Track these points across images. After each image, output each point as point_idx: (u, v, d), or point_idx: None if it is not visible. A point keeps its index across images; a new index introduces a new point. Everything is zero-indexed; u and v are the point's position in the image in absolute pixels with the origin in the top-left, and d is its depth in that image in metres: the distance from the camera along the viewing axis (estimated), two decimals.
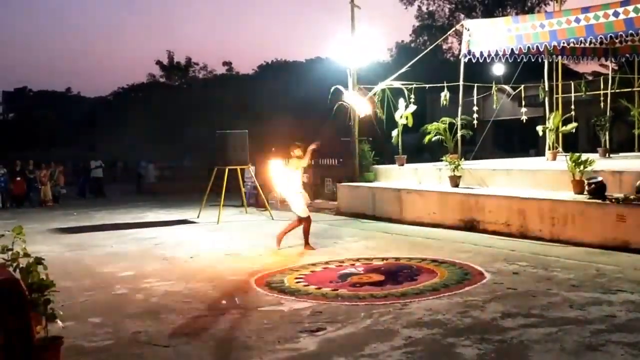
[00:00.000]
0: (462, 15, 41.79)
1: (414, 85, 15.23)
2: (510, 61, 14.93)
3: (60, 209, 19.87)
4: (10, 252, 5.06)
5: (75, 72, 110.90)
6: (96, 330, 5.95)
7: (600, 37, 12.29)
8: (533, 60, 15.58)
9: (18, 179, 21.03)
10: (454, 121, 14.65)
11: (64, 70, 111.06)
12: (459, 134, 14.47)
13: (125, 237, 12.46)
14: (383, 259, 9.01)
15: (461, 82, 14.50)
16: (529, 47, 13.33)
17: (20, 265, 5.01)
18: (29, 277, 4.89)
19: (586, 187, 9.93)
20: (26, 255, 5.03)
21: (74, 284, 7.99)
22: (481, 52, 13.95)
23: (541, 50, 13.95)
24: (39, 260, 5.00)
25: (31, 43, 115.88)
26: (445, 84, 15.50)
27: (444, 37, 23.09)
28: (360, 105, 13.63)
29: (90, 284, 8.09)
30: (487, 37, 13.97)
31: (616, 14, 11.85)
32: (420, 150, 23.57)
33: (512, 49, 13.76)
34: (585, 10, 12.44)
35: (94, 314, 6.51)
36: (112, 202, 21.86)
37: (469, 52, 14.08)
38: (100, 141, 42.81)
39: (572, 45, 13.95)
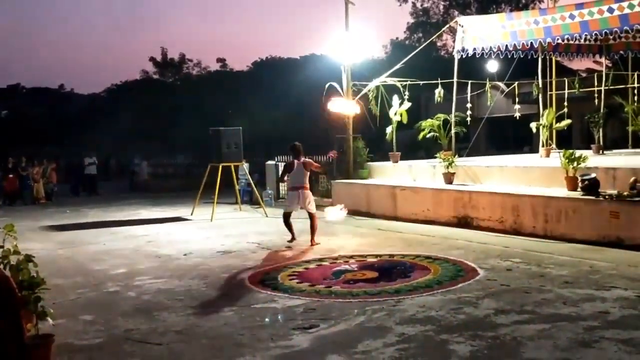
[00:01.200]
0: (456, 12, 41.75)
1: (408, 82, 15.21)
2: (501, 57, 14.87)
3: (53, 206, 19.79)
4: (0, 250, 5.02)
5: (68, 69, 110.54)
6: (88, 328, 5.91)
7: (595, 34, 12.28)
8: (522, 56, 15.41)
9: (10, 176, 20.93)
10: (448, 118, 14.65)
11: (57, 67, 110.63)
12: (453, 131, 14.47)
13: (118, 235, 12.41)
14: (377, 255, 9.00)
15: (455, 79, 14.50)
16: (523, 43, 13.31)
17: (11, 263, 4.98)
18: (19, 275, 4.86)
19: (580, 184, 9.94)
20: (16, 252, 5.00)
21: (66, 282, 7.96)
22: (475, 49, 13.94)
23: (535, 46, 13.93)
24: (29, 258, 4.98)
25: (24, 40, 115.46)
26: (439, 81, 15.49)
27: (438, 33, 23.03)
28: (348, 107, 13.24)
29: (82, 281, 8.05)
30: (481, 34, 13.96)
31: (611, 10, 11.84)
32: (414, 147, 23.57)
33: (506, 45, 13.71)
34: (580, 6, 12.42)
35: (85, 312, 6.48)
36: (105, 199, 21.76)
37: (463, 49, 14.07)
38: (94, 138, 42.61)
39: (566, 41, 13.93)
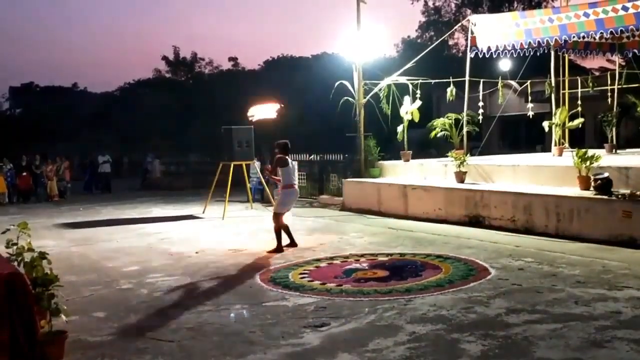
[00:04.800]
0: (468, 11, 41.62)
1: (420, 81, 15.17)
2: (515, 55, 14.73)
3: (66, 203, 19.94)
4: (15, 247, 5.07)
5: (81, 68, 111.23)
6: (101, 325, 5.96)
7: (611, 31, 12.18)
8: (537, 52, 15.19)
9: (24, 174, 21.10)
10: (460, 117, 14.59)
11: (70, 66, 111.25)
12: (465, 129, 14.42)
13: (130, 232, 12.48)
14: (388, 254, 9.00)
15: (467, 78, 14.41)
16: (539, 41, 13.19)
17: (25, 260, 5.03)
18: (33, 272, 4.91)
19: (592, 183, 9.89)
20: (30, 249, 5.05)
21: (79, 279, 8.02)
22: (489, 47, 13.79)
23: (551, 44, 13.80)
24: (43, 255, 5.03)
25: (38, 39, 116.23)
26: (451, 79, 15.44)
27: (450, 32, 22.97)
28: (268, 110, 12.51)
29: (95, 278, 8.11)
30: (494, 32, 13.84)
31: (625, 9, 11.75)
32: (426, 146, 23.54)
33: (521, 43, 13.54)
34: (594, 5, 12.34)
35: (98, 309, 6.53)
36: (118, 197, 21.90)
37: (476, 47, 13.96)
38: (106, 136, 42.88)
39: (581, 39, 13.77)
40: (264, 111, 12.08)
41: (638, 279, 6.88)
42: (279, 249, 9.50)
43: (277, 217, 9.62)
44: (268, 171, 10.36)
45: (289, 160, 9.81)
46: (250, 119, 12.44)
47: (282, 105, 12.16)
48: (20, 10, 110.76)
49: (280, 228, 9.60)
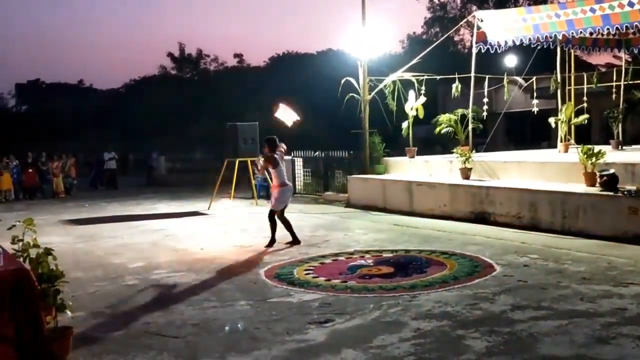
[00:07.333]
0: (474, 7, 41.50)
1: (425, 77, 15.13)
2: (518, 47, 14.60)
3: (72, 200, 19.99)
4: (20, 243, 5.09)
5: (87, 65, 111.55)
6: (106, 321, 5.99)
7: (617, 27, 12.12)
8: (544, 46, 14.96)
9: (30, 170, 21.17)
10: (465, 113, 14.55)
11: (76, 63, 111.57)
12: (470, 126, 14.37)
13: (136, 229, 12.51)
14: (393, 251, 8.99)
15: (472, 74, 14.36)
16: (546, 35, 13.11)
17: (31, 256, 5.04)
18: (38, 268, 4.92)
19: (598, 180, 9.86)
20: (36, 246, 5.06)
21: (85, 275, 8.05)
22: (498, 42, 13.68)
23: (559, 38, 13.72)
24: (48, 251, 5.03)
25: (44, 36, 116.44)
26: (456, 76, 15.39)
27: (456, 28, 22.97)
28: (289, 116, 12.59)
29: (100, 274, 8.14)
30: (500, 27, 13.75)
31: (631, 4, 11.68)
32: (431, 142, 23.49)
33: (529, 38, 13.41)
34: (600, 0, 12.28)
35: (104, 305, 6.55)
36: (124, 193, 21.94)
37: (484, 42, 13.87)
38: (112, 133, 43.01)
39: (588, 34, 13.68)
40: (285, 115, 12.09)
41: None
42: (272, 241, 9.68)
43: (272, 214, 9.79)
44: (257, 167, 10.38)
45: (278, 159, 9.87)
46: (275, 109, 12.42)
47: (299, 120, 12.17)
48: (25, 8, 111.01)
49: (276, 222, 9.75)
